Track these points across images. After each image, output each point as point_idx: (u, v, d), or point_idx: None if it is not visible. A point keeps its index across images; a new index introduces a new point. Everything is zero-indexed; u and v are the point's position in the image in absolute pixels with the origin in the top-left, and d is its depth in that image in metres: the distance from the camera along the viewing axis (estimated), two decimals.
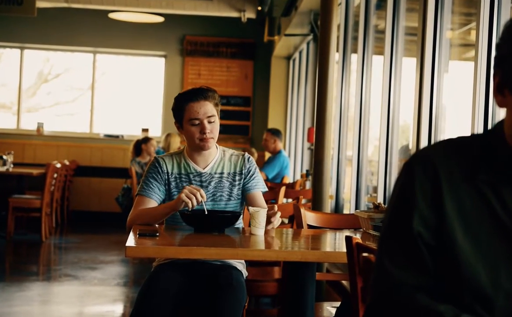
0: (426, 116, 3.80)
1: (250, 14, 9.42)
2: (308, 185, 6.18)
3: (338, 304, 2.85)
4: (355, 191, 5.74)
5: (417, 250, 1.23)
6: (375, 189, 5.09)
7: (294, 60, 10.18)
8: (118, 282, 5.80)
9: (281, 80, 10.70)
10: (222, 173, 2.92)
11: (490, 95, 3.08)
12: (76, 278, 5.86)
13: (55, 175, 8.31)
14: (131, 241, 2.42)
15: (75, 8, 9.84)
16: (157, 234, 2.53)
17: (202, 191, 2.68)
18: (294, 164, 9.46)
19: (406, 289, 1.22)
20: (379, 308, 1.25)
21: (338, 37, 6.24)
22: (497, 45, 1.24)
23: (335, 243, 2.74)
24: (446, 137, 1.31)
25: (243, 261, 2.91)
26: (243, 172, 2.93)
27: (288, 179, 7.54)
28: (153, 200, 2.86)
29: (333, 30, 4.50)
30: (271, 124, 10.18)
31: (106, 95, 11.14)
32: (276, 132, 7.85)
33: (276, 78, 10.73)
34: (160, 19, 9.93)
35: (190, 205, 2.65)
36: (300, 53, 9.47)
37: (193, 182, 2.89)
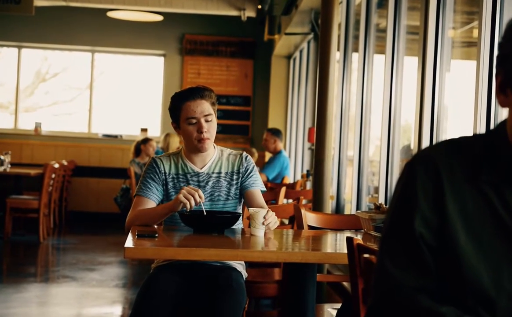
0: (428, 116, 3.80)
1: (250, 13, 9.42)
2: (308, 185, 6.17)
3: (339, 305, 2.85)
4: (356, 192, 5.74)
5: (418, 251, 1.23)
6: (376, 190, 5.09)
7: (294, 59, 10.18)
8: (117, 284, 5.80)
9: (281, 80, 10.70)
10: (219, 173, 2.93)
11: (492, 95, 3.08)
12: (74, 279, 5.86)
13: (53, 175, 8.31)
14: (129, 242, 2.41)
15: (73, 6, 9.84)
16: (156, 235, 2.53)
17: (200, 192, 2.68)
18: (294, 164, 9.46)
19: (408, 291, 1.22)
20: (380, 309, 1.25)
21: (339, 36, 6.24)
22: (500, 44, 1.24)
23: (336, 244, 2.74)
24: (448, 137, 1.31)
25: (243, 262, 2.91)
26: (241, 170, 2.94)
27: (289, 179, 7.54)
28: (152, 201, 2.86)
29: (334, 29, 4.50)
30: (271, 124, 10.18)
31: (105, 95, 11.14)
32: (276, 132, 7.85)
33: (276, 78, 10.73)
34: (159, 17, 9.93)
35: (188, 206, 2.65)
36: (301, 52, 9.47)
37: (190, 182, 2.89)
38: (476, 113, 3.15)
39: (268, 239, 2.71)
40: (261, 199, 2.94)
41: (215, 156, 2.96)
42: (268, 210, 2.71)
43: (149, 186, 2.88)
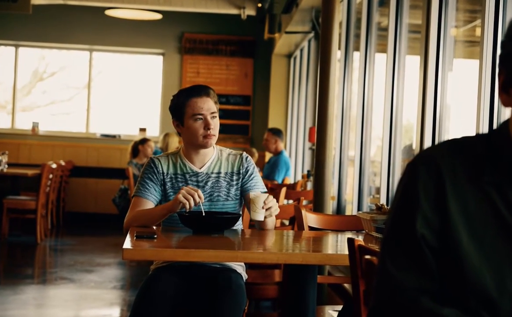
0: (430, 116, 3.80)
1: (250, 11, 9.42)
2: (309, 185, 6.17)
3: (340, 307, 2.85)
4: (357, 192, 5.74)
5: (420, 253, 1.23)
6: (378, 190, 5.09)
7: (295, 58, 10.18)
8: (115, 285, 5.80)
9: (281, 79, 10.71)
10: (219, 173, 2.93)
11: (495, 94, 3.08)
12: (72, 281, 5.86)
13: (51, 176, 8.31)
14: (128, 243, 2.42)
15: (71, 5, 9.84)
16: (155, 236, 2.53)
17: (200, 192, 2.68)
18: (295, 164, 9.46)
19: (409, 293, 1.22)
20: (382, 312, 1.25)
21: (340, 35, 6.25)
22: (503, 43, 1.24)
23: (337, 245, 2.74)
24: (450, 137, 1.31)
25: (242, 264, 2.91)
26: (241, 171, 2.94)
27: (289, 180, 7.54)
28: (150, 201, 2.87)
29: (335, 28, 4.50)
30: (272, 123, 10.18)
31: (103, 94, 11.14)
32: (277, 132, 7.84)
33: (276, 77, 10.73)
34: (158, 16, 9.93)
35: (187, 207, 2.65)
36: (301, 51, 9.47)
37: (189, 182, 2.89)
38: (479, 112, 3.15)
39: (268, 240, 2.71)
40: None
41: (214, 156, 2.96)
42: (268, 195, 2.72)
43: (147, 187, 2.88)
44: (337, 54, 4.60)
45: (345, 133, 6.41)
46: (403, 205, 1.26)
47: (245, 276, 2.91)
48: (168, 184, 2.90)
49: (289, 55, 10.50)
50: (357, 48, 6.15)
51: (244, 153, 3.00)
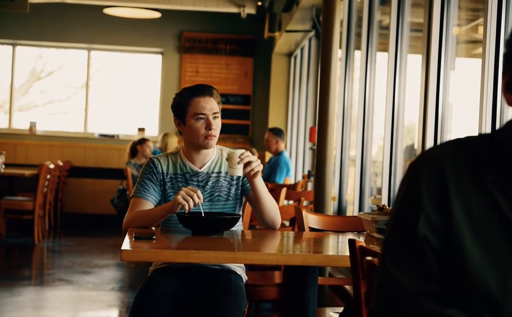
0: (432, 115, 3.80)
1: (250, 10, 9.42)
2: (310, 186, 6.17)
3: (341, 309, 2.85)
4: (358, 193, 5.74)
5: (423, 255, 1.23)
6: (379, 191, 5.09)
7: (295, 57, 10.18)
8: (113, 287, 5.80)
9: (282, 78, 10.71)
10: (219, 172, 2.93)
11: (498, 94, 3.08)
12: (70, 282, 5.86)
13: (48, 176, 8.31)
14: (126, 244, 2.41)
15: (69, 3, 9.84)
16: (154, 237, 2.53)
17: (199, 192, 2.68)
18: (295, 164, 9.46)
19: (412, 295, 1.22)
20: (383, 314, 1.25)
21: (341, 33, 6.25)
22: (507, 42, 1.24)
23: (337, 246, 2.74)
24: (453, 137, 1.31)
25: (242, 265, 2.91)
26: None
27: (290, 180, 7.54)
28: (149, 202, 2.86)
29: (336, 26, 4.50)
30: (272, 123, 10.17)
31: (101, 94, 11.14)
32: (278, 133, 7.82)
33: (276, 76, 10.73)
34: (157, 14, 9.93)
35: (187, 207, 2.65)
36: (302, 50, 9.47)
37: (189, 182, 2.89)
38: (482, 112, 3.15)
39: (269, 241, 2.71)
40: None
41: (214, 156, 2.96)
42: (244, 151, 2.76)
43: (147, 187, 2.88)
44: (338, 53, 4.60)
45: (346, 133, 6.41)
46: (405, 206, 1.26)
47: (245, 277, 2.91)
48: (168, 184, 2.90)
49: (289, 54, 10.51)
50: (358, 47, 6.15)
51: None
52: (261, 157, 9.72)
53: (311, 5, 7.38)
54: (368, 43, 5.66)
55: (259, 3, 9.17)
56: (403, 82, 4.74)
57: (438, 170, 1.24)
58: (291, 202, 5.76)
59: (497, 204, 1.22)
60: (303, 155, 9.00)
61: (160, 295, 2.61)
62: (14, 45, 10.92)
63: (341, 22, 6.35)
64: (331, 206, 4.63)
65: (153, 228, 2.81)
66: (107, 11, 9.86)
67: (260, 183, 2.83)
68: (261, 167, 2.80)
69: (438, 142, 3.77)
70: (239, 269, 2.87)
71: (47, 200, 8.63)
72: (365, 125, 5.69)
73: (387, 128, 4.86)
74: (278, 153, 7.75)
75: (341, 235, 3.01)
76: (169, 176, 2.91)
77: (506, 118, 3.06)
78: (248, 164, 2.75)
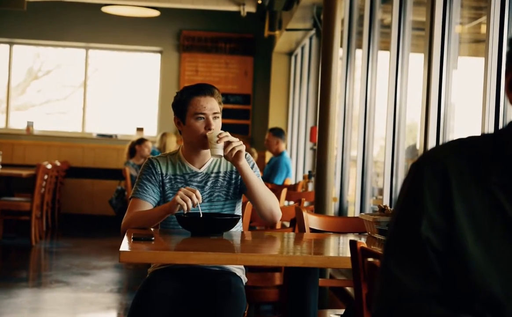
0: (434, 115, 3.80)
1: (249, 8, 9.42)
2: (310, 186, 6.18)
3: (342, 311, 2.85)
4: (359, 193, 5.74)
5: (425, 256, 1.23)
6: (381, 191, 5.09)
7: (296, 56, 10.18)
8: (112, 289, 5.80)
9: (282, 77, 10.71)
10: (218, 172, 2.93)
11: (501, 93, 3.08)
12: (68, 284, 5.86)
13: (46, 176, 8.30)
14: (125, 245, 2.41)
15: (66, 1, 9.85)
16: (152, 238, 2.53)
17: (198, 193, 2.68)
18: (296, 164, 9.46)
19: (416, 296, 1.22)
20: (387, 315, 1.25)
21: (342, 32, 6.24)
22: (510, 41, 1.24)
23: (338, 247, 2.74)
24: (455, 137, 1.31)
25: (242, 267, 2.91)
26: None
27: (290, 181, 7.54)
28: (148, 203, 2.86)
29: (337, 25, 4.50)
30: (272, 123, 10.18)
31: (99, 93, 11.14)
32: (279, 133, 7.80)
33: (277, 75, 10.73)
34: (156, 13, 9.93)
35: (185, 208, 2.65)
36: (302, 48, 9.47)
37: (188, 182, 2.89)
38: (484, 112, 3.15)
39: (269, 242, 2.71)
40: None
41: None
42: (223, 131, 2.78)
43: (145, 188, 2.88)
44: (339, 52, 4.60)
45: (347, 133, 6.41)
46: (407, 207, 1.26)
47: (244, 279, 2.91)
48: (167, 185, 2.90)
49: (289, 53, 10.51)
50: (359, 46, 6.15)
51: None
52: (261, 158, 9.75)
53: (311, 3, 7.38)
54: (369, 42, 5.66)
55: (259, 1, 9.17)
56: (405, 81, 4.74)
57: (441, 170, 1.24)
58: (291, 202, 5.76)
59: (500, 204, 1.22)
60: (303, 155, 9.00)
61: (159, 297, 2.61)
62: (11, 44, 10.92)
63: (342, 20, 6.34)
64: (332, 207, 4.63)
65: (152, 229, 2.81)
66: (105, 9, 9.86)
67: (246, 167, 2.81)
68: (243, 147, 2.79)
69: (441, 142, 3.77)
70: (239, 271, 2.87)
71: (45, 200, 8.63)
72: (367, 125, 5.69)
73: (388, 128, 4.86)
74: (278, 154, 7.75)
75: (342, 236, 3.01)
76: (168, 177, 2.91)
77: (509, 118, 3.06)
78: (228, 144, 2.75)
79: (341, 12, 4.98)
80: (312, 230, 3.13)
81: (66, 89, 11.30)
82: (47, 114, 11.33)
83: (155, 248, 2.47)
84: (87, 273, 6.37)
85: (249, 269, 3.36)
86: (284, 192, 4.52)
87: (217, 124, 2.89)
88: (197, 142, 2.88)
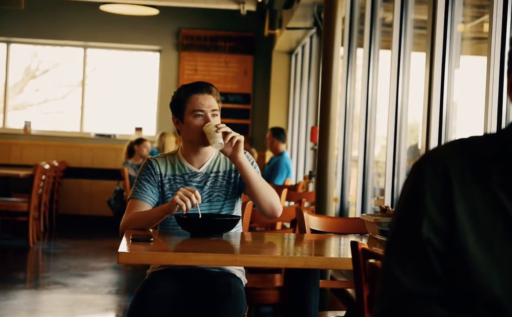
0: (436, 115, 3.81)
1: (249, 6, 9.42)
2: (311, 187, 6.18)
3: (343, 313, 2.85)
4: (361, 194, 5.74)
5: (426, 257, 1.23)
6: (382, 191, 5.09)
7: (296, 55, 10.18)
8: (110, 290, 5.80)
9: (282, 76, 10.71)
10: (218, 172, 2.93)
11: (504, 92, 3.09)
12: (66, 286, 5.86)
13: (43, 177, 8.31)
14: (123, 246, 2.42)
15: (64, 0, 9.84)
16: (151, 239, 2.53)
17: (197, 193, 2.68)
18: (296, 164, 9.46)
19: (418, 298, 1.22)
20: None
21: (343, 31, 6.24)
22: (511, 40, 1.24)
23: (339, 248, 2.74)
24: (457, 137, 1.31)
25: (242, 268, 2.91)
26: None
27: (290, 181, 7.54)
28: (147, 203, 2.86)
29: (338, 23, 4.50)
30: (272, 123, 10.18)
31: (98, 92, 11.14)
32: (278, 133, 7.79)
33: (277, 74, 10.73)
34: (155, 11, 9.93)
35: (184, 208, 2.65)
36: (303, 47, 9.47)
37: (188, 183, 2.89)
38: (487, 111, 3.15)
39: (269, 243, 2.71)
40: None
41: (213, 156, 2.97)
42: (219, 124, 2.79)
43: (144, 188, 2.88)
44: (340, 51, 4.60)
45: (348, 133, 6.41)
46: (409, 207, 1.26)
47: (244, 280, 2.91)
48: (166, 185, 2.90)
49: (290, 52, 10.51)
50: (360, 45, 6.15)
51: None
52: (261, 158, 9.75)
53: (312, 2, 7.38)
54: (370, 40, 5.67)
55: (259, 0, 9.17)
56: (406, 80, 4.74)
57: (442, 170, 1.24)
58: (292, 203, 5.76)
59: (502, 205, 1.22)
60: (304, 155, 9.00)
61: (158, 298, 2.61)
62: (8, 42, 10.92)
63: (343, 19, 6.35)
64: (333, 207, 4.63)
65: (151, 230, 2.81)
66: (103, 8, 9.86)
67: (246, 161, 2.81)
68: (242, 138, 2.80)
69: (442, 142, 3.77)
70: (239, 272, 2.87)
71: (42, 201, 8.63)
72: (368, 125, 5.69)
73: (390, 128, 4.86)
74: (279, 154, 7.74)
75: (343, 237, 3.01)
76: (167, 177, 2.91)
77: None
78: (226, 134, 2.76)
79: (342, 11, 4.98)
80: (313, 231, 3.13)
81: (64, 89, 11.30)
82: (44, 114, 11.33)
83: (154, 249, 2.47)
84: (85, 275, 6.37)
85: (249, 271, 3.36)
86: (284, 192, 4.52)
87: (215, 122, 2.89)
88: (196, 140, 2.88)
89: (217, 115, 2.90)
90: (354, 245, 1.81)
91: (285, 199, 4.63)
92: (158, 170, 2.91)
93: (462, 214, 1.22)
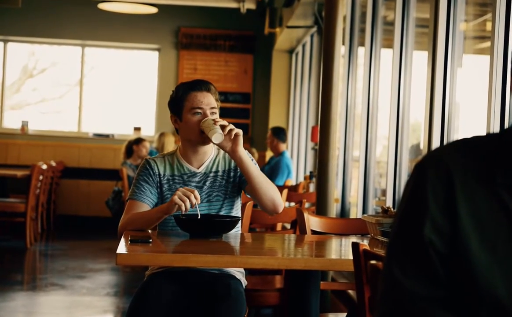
0: (439, 114, 3.81)
1: (249, 5, 9.42)
2: (312, 187, 6.18)
3: (344, 315, 2.85)
4: (362, 194, 5.74)
5: (428, 259, 1.23)
6: (384, 192, 5.09)
7: (297, 54, 10.18)
8: (108, 292, 5.80)
9: (283, 76, 10.71)
10: (217, 171, 2.93)
11: (506, 92, 3.08)
12: (63, 287, 5.86)
13: (41, 177, 8.31)
14: (122, 247, 2.41)
15: None
16: (150, 240, 2.53)
17: (196, 193, 2.68)
18: (297, 165, 9.46)
19: (420, 301, 1.22)
20: None
21: (344, 29, 6.25)
22: None
23: (340, 249, 2.74)
24: (460, 137, 1.31)
25: (242, 269, 2.91)
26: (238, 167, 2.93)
27: (291, 181, 7.54)
28: (146, 204, 2.86)
29: (339, 22, 4.50)
30: (272, 122, 10.18)
31: (96, 92, 11.14)
32: (277, 133, 7.79)
33: (277, 74, 10.73)
34: (154, 10, 9.93)
35: (183, 208, 2.65)
36: (304, 46, 9.47)
37: (187, 183, 2.89)
38: (490, 111, 3.15)
39: (269, 245, 2.71)
40: None
41: (213, 155, 2.97)
42: (216, 119, 2.80)
43: (143, 189, 2.88)
44: (341, 50, 4.60)
45: (349, 133, 6.41)
46: (411, 208, 1.26)
47: (244, 282, 2.91)
48: (165, 185, 2.90)
49: (290, 51, 10.51)
50: (362, 44, 6.15)
51: None
52: (261, 157, 9.75)
53: (313, 0, 7.38)
54: (372, 39, 5.67)
55: None
56: (408, 79, 4.74)
57: (445, 170, 1.23)
58: (292, 203, 5.76)
59: (505, 205, 1.21)
60: (304, 155, 9.00)
61: (157, 300, 2.61)
62: (5, 41, 10.92)
63: (344, 17, 6.35)
64: (334, 208, 4.63)
65: (150, 231, 2.81)
66: (101, 6, 9.86)
67: (245, 156, 2.81)
68: (241, 131, 2.80)
69: (445, 142, 3.77)
70: (239, 274, 2.87)
71: (40, 201, 8.63)
72: (369, 125, 5.69)
73: (392, 128, 4.86)
74: (279, 154, 7.74)
75: (344, 238, 3.01)
76: (166, 178, 2.91)
77: None
78: (224, 127, 2.76)
79: (343, 9, 4.98)
80: (314, 232, 3.13)
81: (61, 88, 11.30)
82: (42, 113, 11.33)
83: (152, 250, 2.47)
84: (83, 276, 6.37)
85: (249, 272, 3.36)
86: (285, 192, 4.52)
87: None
88: (195, 138, 2.88)
89: (215, 113, 2.90)
90: (355, 246, 1.81)
91: (285, 200, 4.63)
92: (156, 170, 2.91)
93: (465, 215, 1.22)
